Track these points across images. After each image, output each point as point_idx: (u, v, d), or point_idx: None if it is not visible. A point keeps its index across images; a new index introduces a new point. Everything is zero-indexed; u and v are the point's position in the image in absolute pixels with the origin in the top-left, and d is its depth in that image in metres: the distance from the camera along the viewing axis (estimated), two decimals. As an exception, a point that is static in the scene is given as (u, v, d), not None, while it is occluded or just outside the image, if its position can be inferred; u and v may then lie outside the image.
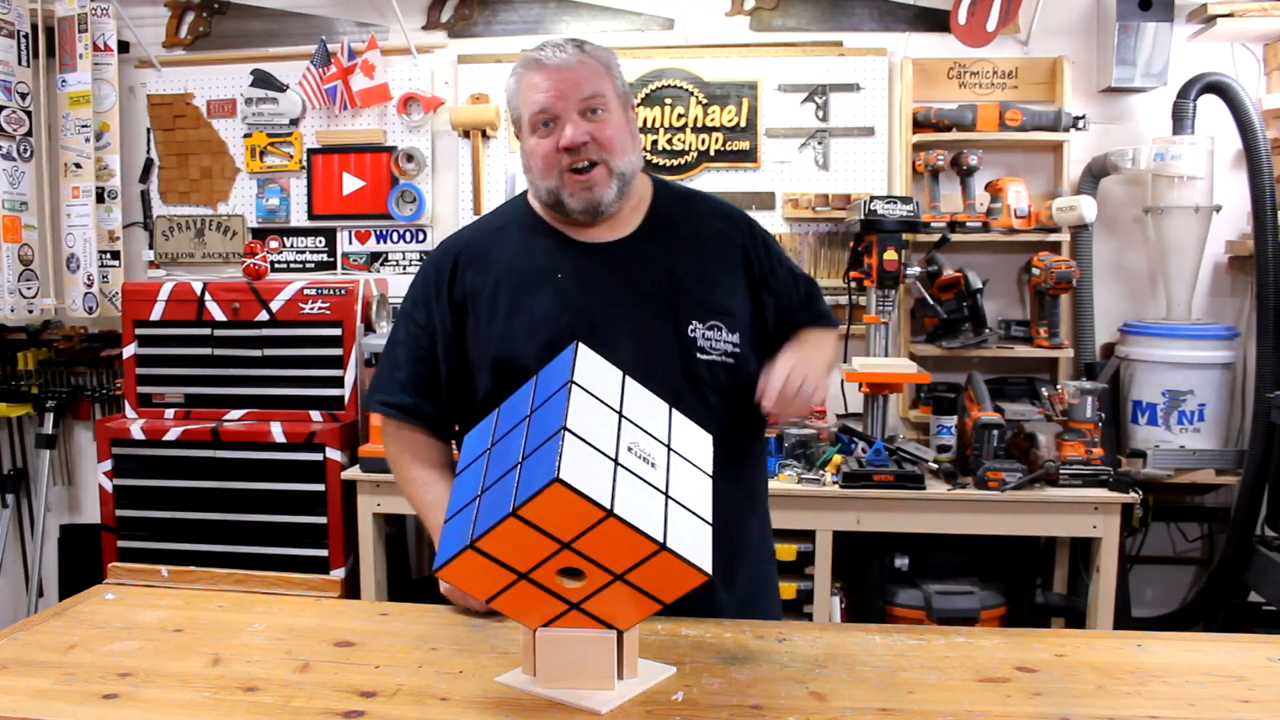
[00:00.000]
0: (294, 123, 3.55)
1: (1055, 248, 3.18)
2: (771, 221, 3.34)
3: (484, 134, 3.43)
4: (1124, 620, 2.95)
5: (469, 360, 1.55)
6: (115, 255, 3.50)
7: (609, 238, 1.54)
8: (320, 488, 3.09)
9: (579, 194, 1.48)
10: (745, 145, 3.37)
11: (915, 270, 3.07)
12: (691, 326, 1.49)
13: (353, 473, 3.02)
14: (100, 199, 3.46)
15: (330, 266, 3.60)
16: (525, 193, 1.62)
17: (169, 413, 3.24)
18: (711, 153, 3.39)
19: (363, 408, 1.66)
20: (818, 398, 1.49)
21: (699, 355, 1.50)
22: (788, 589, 2.83)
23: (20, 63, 3.23)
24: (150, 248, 3.65)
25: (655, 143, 3.39)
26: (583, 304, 1.49)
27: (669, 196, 1.62)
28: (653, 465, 1.11)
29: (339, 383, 3.17)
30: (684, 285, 1.52)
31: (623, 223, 1.55)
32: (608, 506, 1.01)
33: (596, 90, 1.47)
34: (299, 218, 3.59)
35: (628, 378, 1.20)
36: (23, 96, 3.24)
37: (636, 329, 1.48)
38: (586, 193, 1.48)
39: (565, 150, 1.46)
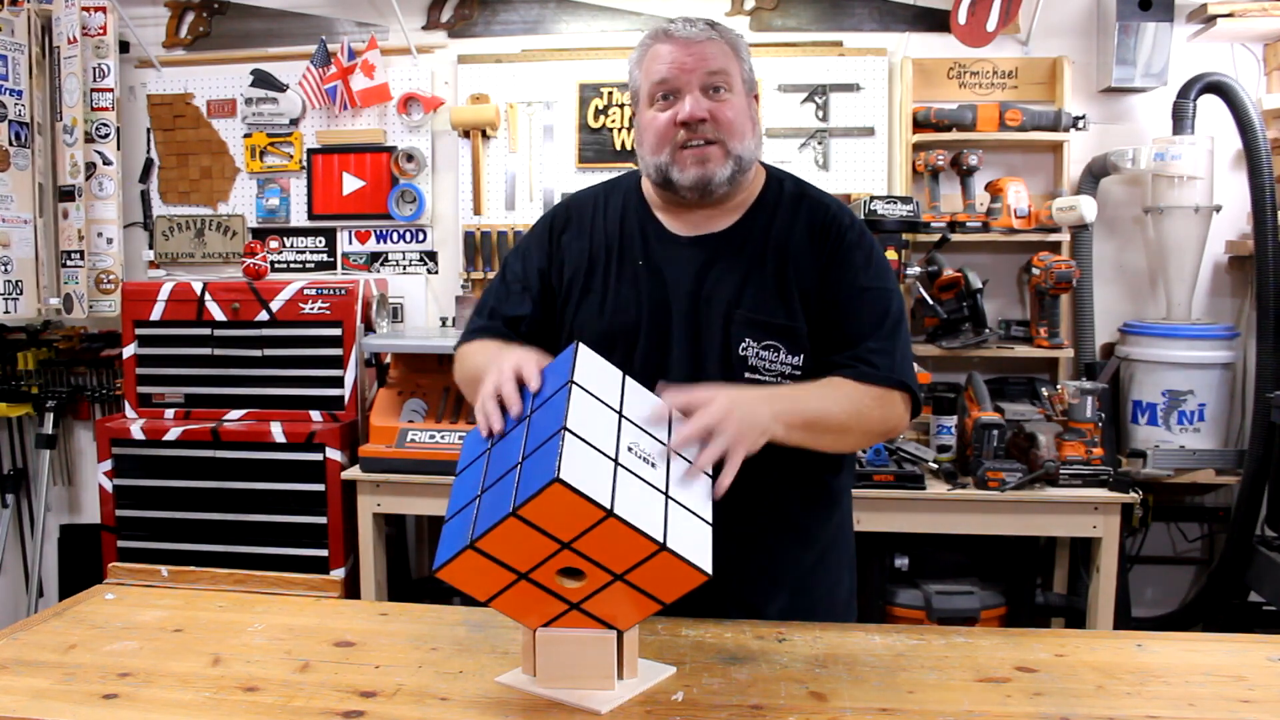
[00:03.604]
0: (294, 123, 3.55)
1: (1055, 248, 3.18)
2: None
3: (484, 134, 3.42)
4: (1124, 620, 2.95)
5: (550, 318, 1.55)
6: (83, 255, 3.39)
7: (701, 231, 1.48)
8: (320, 488, 3.09)
9: (690, 167, 1.41)
10: (745, 145, 3.36)
11: (915, 270, 3.07)
12: (744, 344, 1.43)
13: (353, 473, 3.02)
14: (71, 196, 3.39)
15: (330, 266, 3.59)
16: None
17: (169, 413, 3.24)
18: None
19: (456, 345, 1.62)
20: (724, 453, 1.16)
21: (748, 376, 1.42)
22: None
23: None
24: (150, 248, 3.65)
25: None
26: (651, 302, 1.46)
27: (777, 195, 1.52)
28: (653, 465, 1.11)
29: (339, 383, 3.17)
30: (749, 297, 1.44)
31: (720, 216, 1.49)
32: (608, 506, 1.01)
33: (722, 68, 1.41)
34: (299, 218, 3.59)
35: (628, 378, 1.20)
36: None
37: (690, 339, 1.45)
38: (699, 167, 1.41)
39: (682, 125, 1.40)
